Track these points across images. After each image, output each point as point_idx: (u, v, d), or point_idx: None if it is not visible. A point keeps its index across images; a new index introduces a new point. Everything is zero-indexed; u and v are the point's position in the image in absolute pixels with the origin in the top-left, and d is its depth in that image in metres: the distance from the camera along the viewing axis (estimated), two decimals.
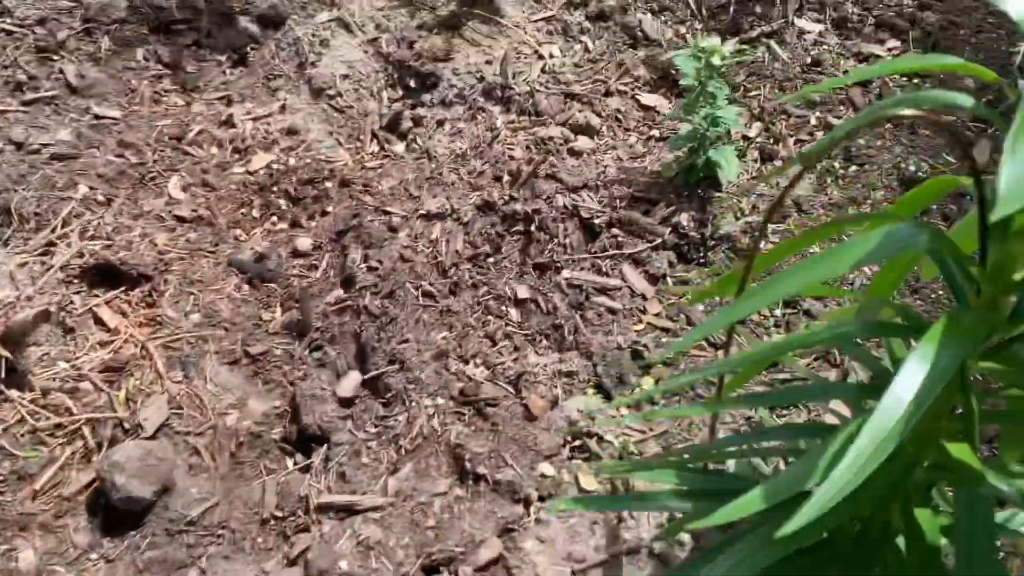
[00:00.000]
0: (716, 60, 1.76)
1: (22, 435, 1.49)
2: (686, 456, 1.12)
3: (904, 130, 2.05)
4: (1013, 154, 0.53)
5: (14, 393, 1.52)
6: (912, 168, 1.95)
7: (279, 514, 1.52)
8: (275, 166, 2.06)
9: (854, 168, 1.98)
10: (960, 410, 0.87)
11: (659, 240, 1.88)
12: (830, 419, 1.55)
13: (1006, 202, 0.50)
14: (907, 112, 0.71)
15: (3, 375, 1.51)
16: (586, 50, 2.34)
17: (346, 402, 1.64)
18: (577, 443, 1.58)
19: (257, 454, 1.59)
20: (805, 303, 1.76)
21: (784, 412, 1.65)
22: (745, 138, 2.11)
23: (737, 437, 1.07)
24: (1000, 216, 0.50)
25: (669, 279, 1.84)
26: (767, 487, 0.72)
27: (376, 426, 1.61)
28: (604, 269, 1.85)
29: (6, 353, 1.50)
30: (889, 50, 2.22)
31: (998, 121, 0.69)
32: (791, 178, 0.83)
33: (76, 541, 1.43)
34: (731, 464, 1.48)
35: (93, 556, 1.42)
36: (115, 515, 1.46)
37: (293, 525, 1.49)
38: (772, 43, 2.29)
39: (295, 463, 1.60)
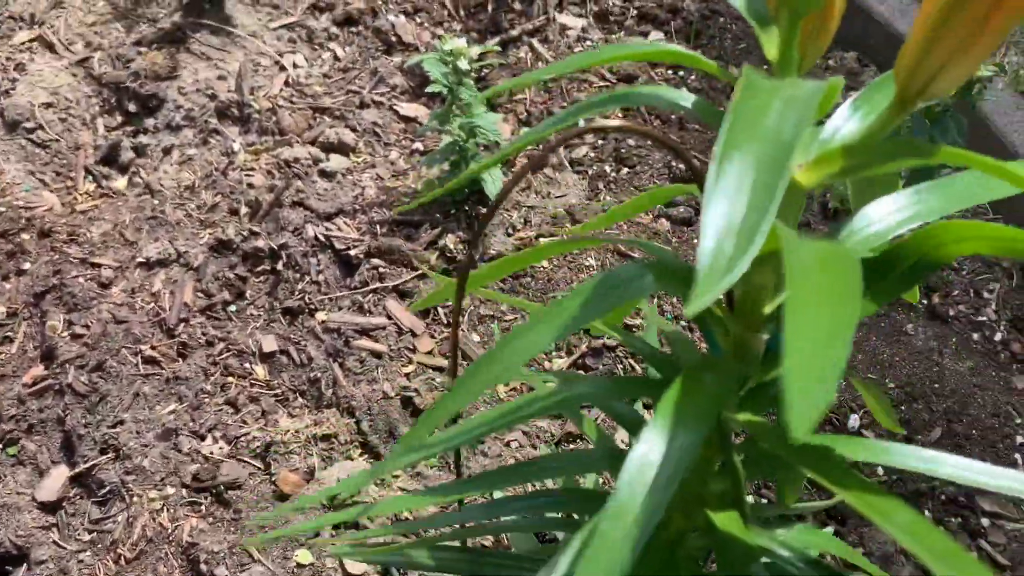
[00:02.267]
0: (464, 64, 1.58)
1: None
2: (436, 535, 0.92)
3: (673, 126, 1.96)
4: (716, 189, 0.35)
5: None
6: (684, 167, 1.85)
7: None
8: None
9: (625, 171, 1.85)
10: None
11: (426, 267, 1.68)
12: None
13: (706, 282, 0.32)
14: (611, 124, 0.54)
15: None
16: (336, 58, 2.10)
17: (50, 507, 1.33)
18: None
19: None
20: None
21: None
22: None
23: (473, 513, 0.88)
24: (696, 311, 0.31)
25: (440, 309, 1.64)
26: None
27: (90, 532, 1.31)
28: (366, 307, 1.62)
29: None
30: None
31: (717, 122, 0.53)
32: (503, 192, 0.64)
33: None
34: (512, 536, 1.30)
35: None
36: None
37: None
38: (535, 42, 2.14)
39: None
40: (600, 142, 1.92)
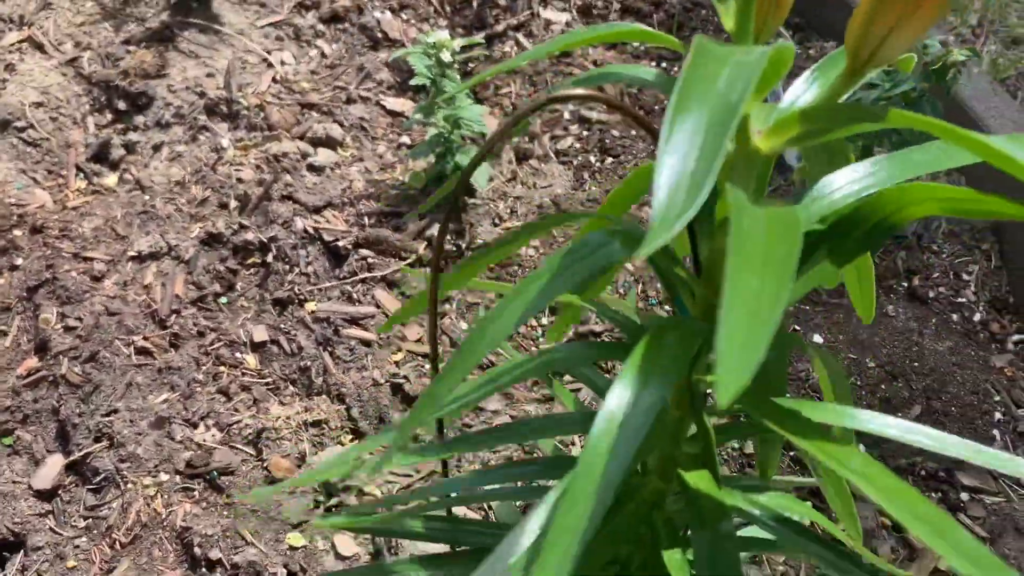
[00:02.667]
0: (447, 56, 1.60)
1: None
2: (423, 508, 0.94)
3: (657, 116, 1.98)
4: (668, 145, 0.38)
5: None
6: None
7: None
8: None
9: (610, 160, 1.88)
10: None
11: (413, 257, 1.70)
12: None
13: (659, 227, 0.34)
14: (575, 92, 0.57)
15: None
16: (323, 55, 2.13)
17: (46, 495, 1.35)
18: (333, 502, 1.38)
19: None
20: None
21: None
22: None
23: (460, 481, 0.90)
24: (649, 252, 0.34)
25: (426, 300, 1.66)
26: None
27: (85, 519, 1.33)
28: (355, 296, 1.65)
29: None
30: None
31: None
32: (464, 173, 0.67)
33: None
34: (496, 507, 1.32)
35: None
36: None
37: None
38: (519, 36, 2.17)
39: None
40: (585, 133, 1.95)
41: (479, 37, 2.08)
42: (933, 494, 1.43)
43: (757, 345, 0.36)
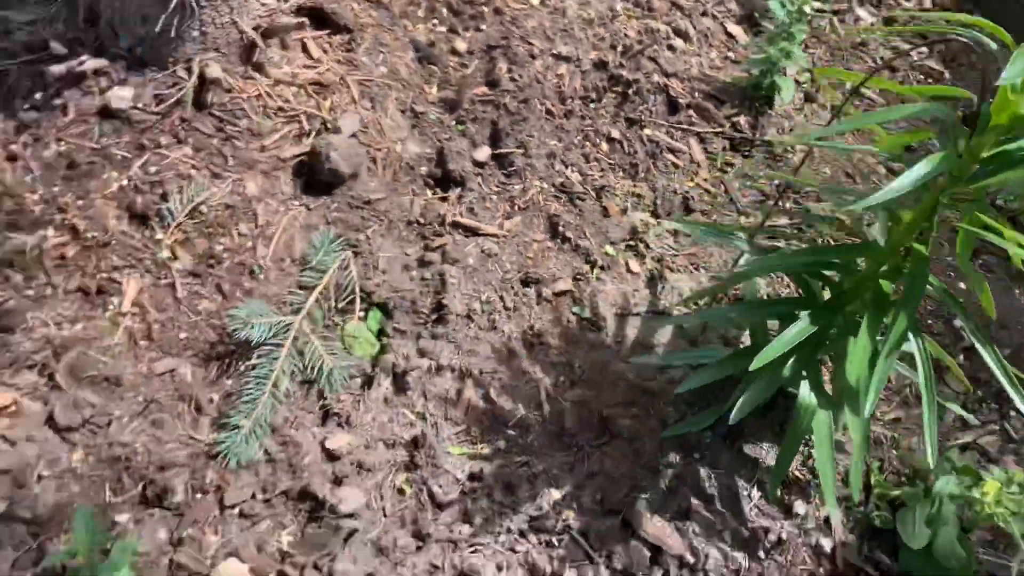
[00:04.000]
0: (807, 8, 2.36)
1: (259, 107, 2.03)
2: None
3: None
4: (1012, 64, 1.14)
5: (258, 75, 2.05)
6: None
7: (422, 221, 2.09)
8: None
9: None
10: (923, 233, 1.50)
11: (720, 129, 2.49)
12: None
13: (1007, 78, 1.11)
14: (962, 39, 1.31)
15: (254, 60, 2.04)
16: None
17: (479, 164, 2.21)
18: (632, 242, 2.20)
19: (409, 179, 2.16)
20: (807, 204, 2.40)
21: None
22: (796, 81, 2.71)
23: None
24: (1002, 83, 1.11)
25: (719, 159, 2.45)
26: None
27: (497, 187, 2.19)
28: (676, 137, 2.45)
29: (262, 44, 2.02)
30: (918, 53, 2.85)
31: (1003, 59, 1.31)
32: (845, 96, 1.44)
33: (283, 189, 1.99)
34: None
35: (296, 202, 1.98)
36: (313, 182, 2.01)
37: (431, 231, 2.07)
38: (834, 19, 2.89)
39: (434, 194, 2.17)
40: (858, 101, 2.68)
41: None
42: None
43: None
